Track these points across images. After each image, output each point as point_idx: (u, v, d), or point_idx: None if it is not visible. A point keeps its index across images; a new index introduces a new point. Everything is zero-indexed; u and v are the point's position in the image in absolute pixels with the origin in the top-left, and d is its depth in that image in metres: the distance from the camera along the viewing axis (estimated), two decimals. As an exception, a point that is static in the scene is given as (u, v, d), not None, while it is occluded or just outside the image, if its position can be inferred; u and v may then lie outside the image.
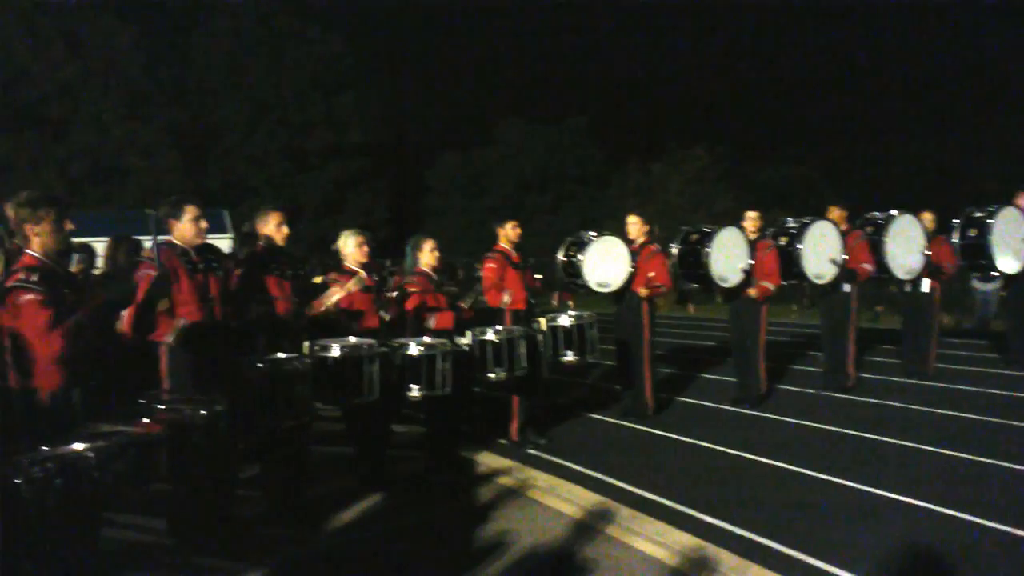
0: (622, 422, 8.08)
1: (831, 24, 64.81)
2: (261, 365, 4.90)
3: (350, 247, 6.28)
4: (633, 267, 7.94)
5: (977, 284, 14.79)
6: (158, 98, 39.23)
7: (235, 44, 41.12)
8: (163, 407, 4.10)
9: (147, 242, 5.57)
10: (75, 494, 3.22)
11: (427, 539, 5.19)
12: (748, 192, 33.72)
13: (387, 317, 6.30)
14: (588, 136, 44.20)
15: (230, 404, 4.41)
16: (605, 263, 7.89)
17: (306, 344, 5.44)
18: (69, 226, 4.22)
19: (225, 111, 40.81)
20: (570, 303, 8.07)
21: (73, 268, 6.52)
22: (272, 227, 5.66)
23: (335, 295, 5.90)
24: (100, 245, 7.10)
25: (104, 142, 36.79)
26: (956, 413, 7.91)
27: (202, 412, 4.13)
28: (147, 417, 3.93)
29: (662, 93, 58.29)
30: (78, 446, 3.32)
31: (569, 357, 7.12)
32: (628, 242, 8.09)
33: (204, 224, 5.03)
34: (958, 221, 9.56)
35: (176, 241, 4.97)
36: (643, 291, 7.91)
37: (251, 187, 39.54)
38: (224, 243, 16.24)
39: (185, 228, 4.97)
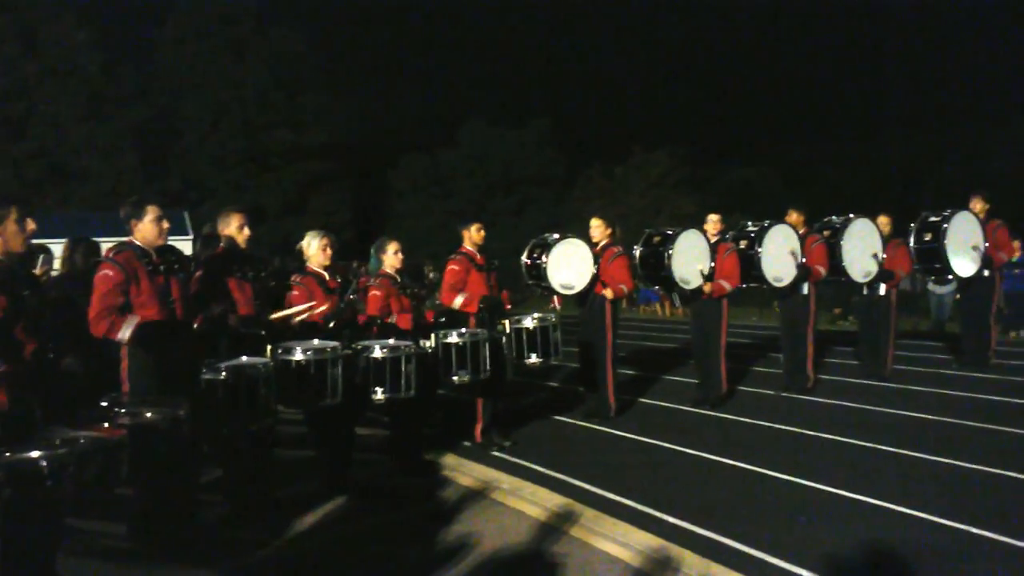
0: (585, 424, 8.12)
1: (790, 29, 65.63)
2: (224, 368, 4.87)
3: (313, 248, 6.24)
4: (596, 269, 7.98)
5: (933, 287, 15.04)
6: (117, 98, 38.67)
7: (196, 43, 40.69)
8: (125, 411, 4.05)
9: (106, 244, 5.49)
10: (26, 503, 3.18)
11: (391, 542, 5.18)
12: (710, 195, 34.13)
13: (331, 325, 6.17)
14: (551, 139, 44.33)
15: (192, 407, 4.37)
16: (569, 265, 7.92)
17: (269, 347, 5.41)
18: (31, 226, 4.17)
19: (186, 111, 40.36)
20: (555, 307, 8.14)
21: (37, 271, 6.44)
22: (234, 228, 5.62)
23: (298, 312, 5.87)
24: (58, 247, 7.00)
25: (62, 142, 36.23)
26: (913, 414, 8.05)
27: (164, 416, 4.09)
28: (108, 421, 3.89)
29: (625, 97, 58.75)
30: (34, 453, 3.27)
31: (533, 359, 7.16)
32: (591, 244, 8.14)
33: (166, 225, 4.98)
34: (914, 225, 9.73)
35: (137, 242, 4.92)
36: (608, 292, 7.95)
37: (212, 188, 39.15)
38: (184, 245, 16.08)
39: (147, 229, 4.92)
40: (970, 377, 9.84)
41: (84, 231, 7.35)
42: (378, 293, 6.62)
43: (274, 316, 5.80)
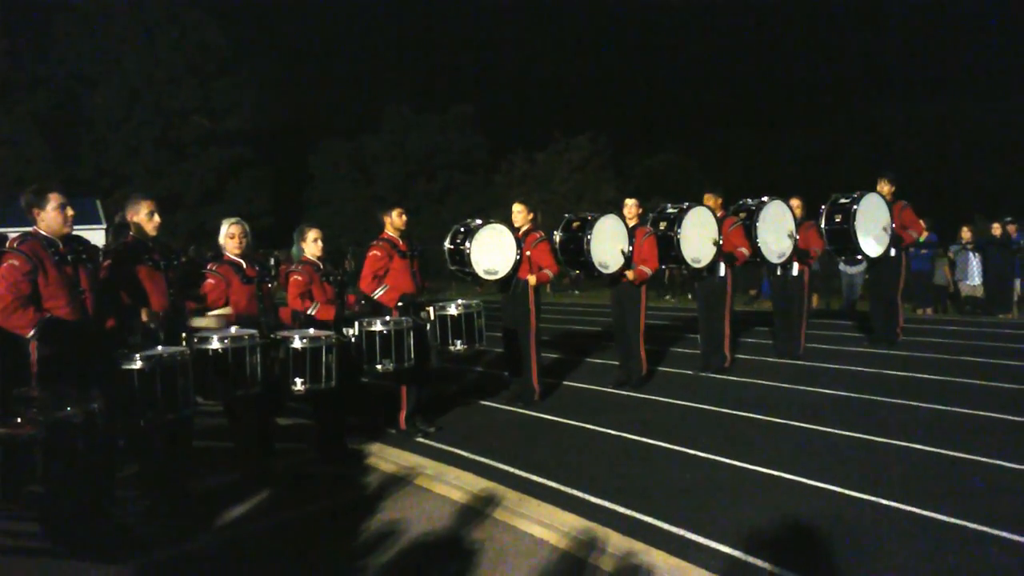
0: (510, 408, 8.16)
1: (706, 17, 66.70)
2: (140, 357, 4.75)
3: (226, 236, 6.13)
4: (519, 254, 8.01)
5: (844, 267, 15.53)
6: (23, 84, 37.17)
7: (105, 27, 39.33)
8: (37, 406, 3.93)
9: (13, 234, 5.27)
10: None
11: (316, 532, 5.13)
12: (629, 180, 34.54)
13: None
14: (474, 124, 44.20)
15: (107, 400, 4.26)
16: (492, 251, 7.93)
17: (184, 335, 5.31)
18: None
19: (96, 97, 39.03)
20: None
21: None
22: (143, 216, 5.46)
23: (211, 324, 5.77)
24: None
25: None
26: (826, 391, 8.30)
27: (78, 410, 3.98)
28: (20, 417, 3.77)
29: (547, 83, 58.96)
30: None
31: (458, 346, 7.18)
32: (514, 230, 8.16)
33: (71, 212, 4.82)
34: (824, 207, 10.00)
35: (42, 231, 4.76)
36: (532, 279, 7.99)
37: (126, 176, 38.01)
38: (97, 234, 15.57)
39: (50, 217, 4.76)
40: (880, 354, 10.20)
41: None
42: (299, 279, 6.53)
43: (196, 324, 5.69)
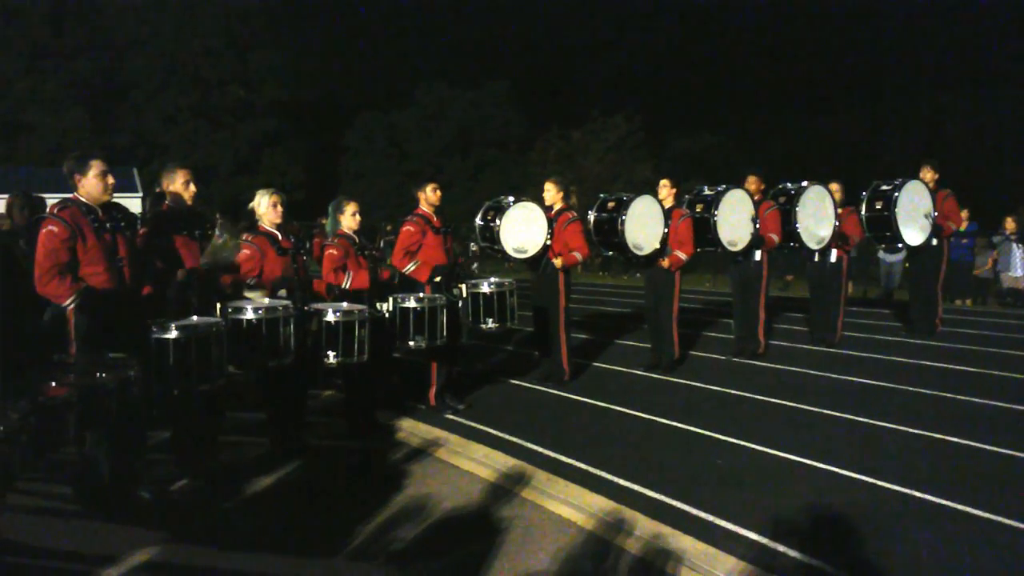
0: (539, 387, 8.14)
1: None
2: (175, 327, 4.78)
3: (264, 207, 6.13)
4: (549, 234, 7.95)
5: (883, 255, 15.30)
6: (62, 52, 37.54)
7: (144, -4, 39.59)
8: (74, 371, 3.97)
9: (51, 200, 5.31)
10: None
11: (344, 505, 5.16)
12: (666, 161, 34.21)
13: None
14: (509, 101, 43.94)
15: (142, 367, 4.29)
16: (523, 229, 7.87)
17: (219, 306, 5.34)
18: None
19: (135, 66, 39.32)
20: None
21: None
22: (179, 185, 5.50)
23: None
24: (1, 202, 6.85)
25: (5, 96, 35.20)
26: (861, 380, 8.19)
27: (114, 376, 4.01)
28: (55, 381, 3.80)
29: (583, 60, 58.51)
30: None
31: (490, 324, 7.16)
32: (546, 208, 8.09)
33: (111, 180, 4.84)
34: (865, 194, 9.83)
35: (82, 198, 4.78)
36: (558, 261, 7.92)
37: (163, 145, 38.33)
38: (134, 202, 15.73)
39: (91, 184, 4.78)
40: (917, 344, 10.05)
41: (30, 188, 7.14)
42: (335, 252, 6.52)
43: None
